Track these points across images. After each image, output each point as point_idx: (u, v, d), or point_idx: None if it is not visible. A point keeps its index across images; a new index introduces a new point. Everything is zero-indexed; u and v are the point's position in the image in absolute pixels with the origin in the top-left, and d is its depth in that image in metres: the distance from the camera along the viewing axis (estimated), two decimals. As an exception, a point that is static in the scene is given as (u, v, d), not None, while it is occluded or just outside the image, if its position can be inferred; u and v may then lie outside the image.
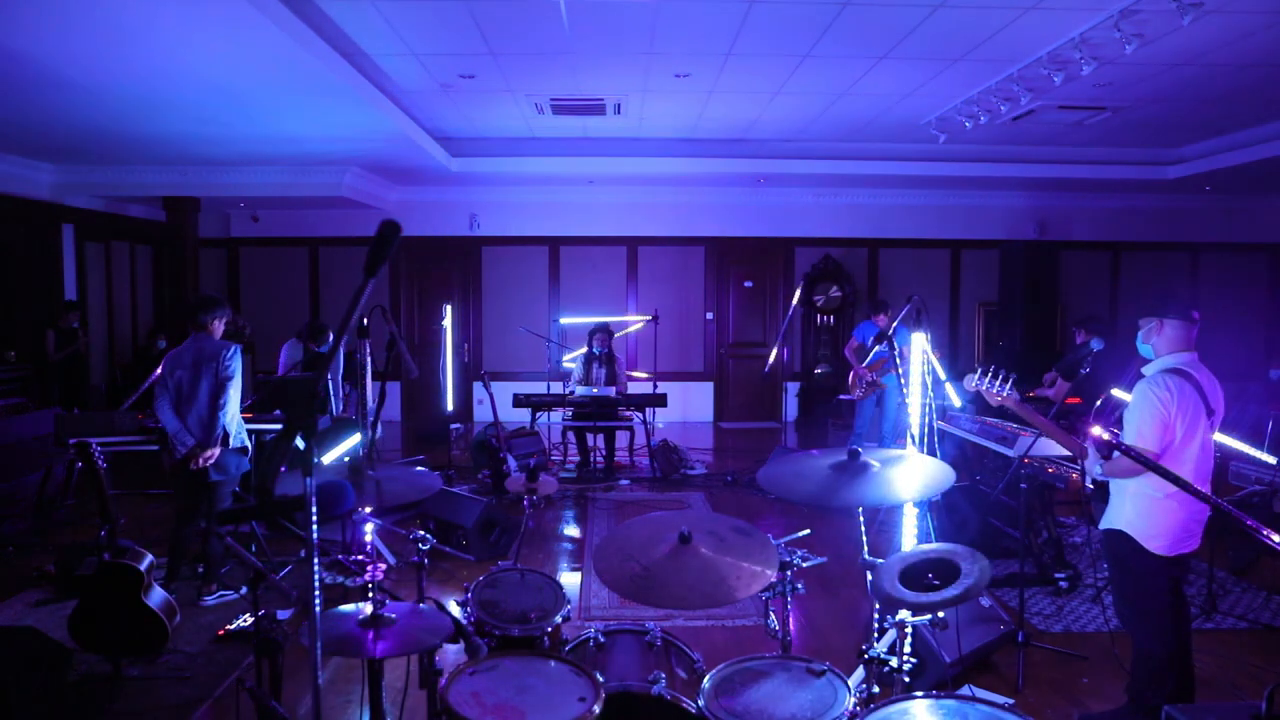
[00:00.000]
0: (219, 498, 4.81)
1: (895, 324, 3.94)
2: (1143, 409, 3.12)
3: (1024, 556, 4.39)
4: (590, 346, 8.30)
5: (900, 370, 4.17)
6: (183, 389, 4.69)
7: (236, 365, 4.75)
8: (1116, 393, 4.03)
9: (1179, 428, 3.09)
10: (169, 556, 4.87)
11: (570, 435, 8.41)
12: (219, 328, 4.86)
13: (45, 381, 8.50)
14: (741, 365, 11.48)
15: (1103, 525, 3.36)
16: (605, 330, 8.31)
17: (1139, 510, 3.19)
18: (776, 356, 9.37)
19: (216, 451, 4.66)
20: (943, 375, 5.77)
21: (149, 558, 3.88)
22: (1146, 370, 3.29)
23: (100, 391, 9.71)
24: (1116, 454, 3.17)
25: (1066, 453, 4.63)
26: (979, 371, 3.56)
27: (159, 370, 4.78)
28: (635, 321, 10.82)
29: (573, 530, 6.42)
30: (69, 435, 5.63)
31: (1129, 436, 3.15)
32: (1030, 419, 3.46)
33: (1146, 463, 2.14)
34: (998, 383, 3.48)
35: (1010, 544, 5.38)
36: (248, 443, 4.94)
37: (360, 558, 4.33)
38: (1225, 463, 6.73)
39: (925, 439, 4.61)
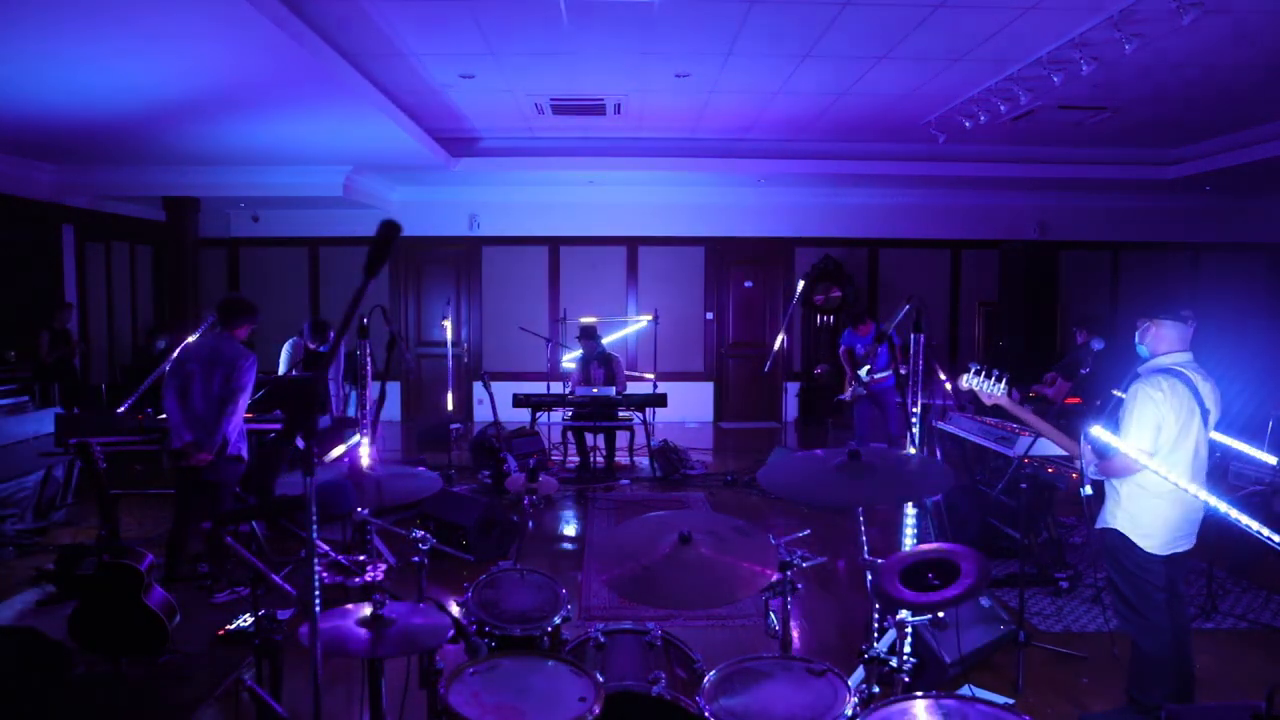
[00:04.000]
0: (218, 500, 4.81)
1: (894, 325, 3.94)
2: (1135, 409, 3.16)
3: (1024, 556, 4.40)
4: (584, 348, 8.32)
5: (900, 371, 4.18)
6: (191, 384, 4.69)
7: (250, 378, 4.74)
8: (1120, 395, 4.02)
9: (1173, 427, 3.12)
10: (166, 556, 4.87)
11: (570, 435, 8.41)
12: (244, 333, 4.87)
13: (42, 382, 8.50)
14: (741, 365, 11.47)
15: (1099, 524, 3.40)
16: (592, 331, 8.35)
17: (1132, 508, 3.23)
18: (776, 357, 9.36)
19: (211, 457, 4.66)
20: (943, 375, 5.76)
21: (149, 558, 3.88)
22: (1141, 370, 3.32)
23: (100, 391, 9.70)
24: (1110, 454, 3.20)
25: (1066, 452, 4.65)
26: (972, 370, 3.55)
27: (173, 358, 4.79)
28: (635, 321, 10.81)
29: (573, 530, 6.42)
30: (69, 435, 5.62)
31: (1122, 436, 3.18)
32: (1024, 418, 3.48)
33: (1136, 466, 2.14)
34: (990, 382, 3.47)
35: (1010, 544, 5.37)
36: (244, 454, 4.95)
37: (360, 558, 4.32)
38: (1226, 463, 6.71)
39: (925, 439, 4.61)
